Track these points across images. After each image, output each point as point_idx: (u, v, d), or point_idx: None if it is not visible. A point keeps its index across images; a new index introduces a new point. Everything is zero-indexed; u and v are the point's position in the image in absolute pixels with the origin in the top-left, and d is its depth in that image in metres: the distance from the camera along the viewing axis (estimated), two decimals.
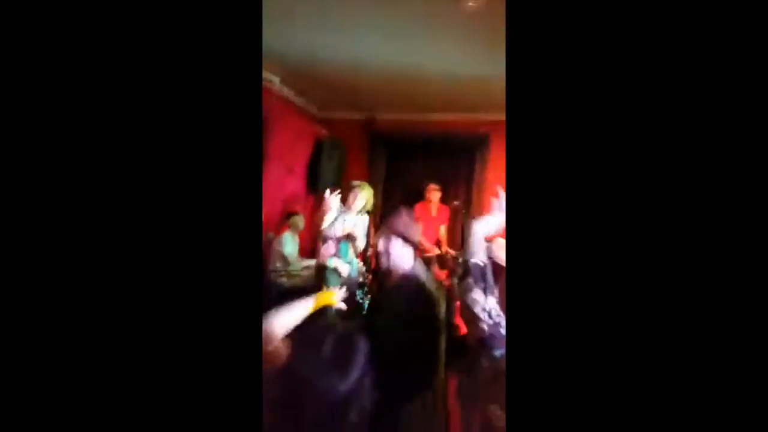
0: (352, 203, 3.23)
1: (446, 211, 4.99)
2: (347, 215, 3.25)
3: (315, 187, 5.14)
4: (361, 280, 3.14)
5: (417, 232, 1.98)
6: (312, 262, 3.73)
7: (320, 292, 1.61)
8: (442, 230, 4.92)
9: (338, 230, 3.20)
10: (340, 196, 3.24)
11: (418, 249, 2.02)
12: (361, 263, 3.28)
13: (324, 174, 5.17)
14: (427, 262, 4.08)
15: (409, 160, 5.50)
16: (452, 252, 4.43)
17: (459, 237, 4.87)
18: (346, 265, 3.19)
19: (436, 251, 4.50)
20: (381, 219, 4.69)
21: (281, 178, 4.88)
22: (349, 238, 3.18)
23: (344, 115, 5.49)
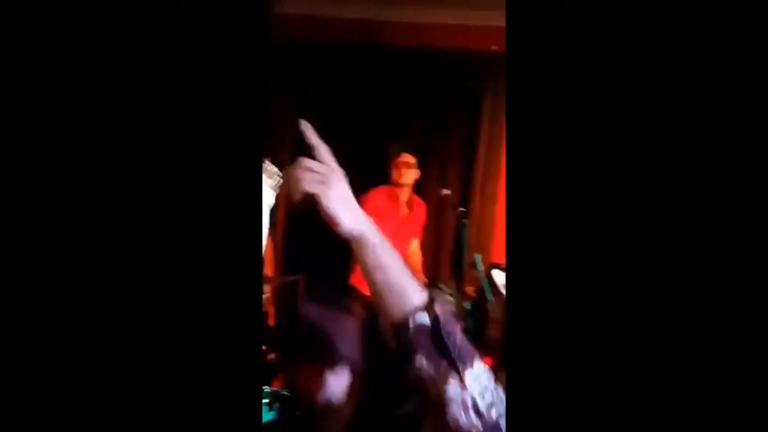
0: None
1: (422, 209, 2.66)
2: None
3: None
4: None
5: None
6: None
7: None
8: (414, 246, 2.62)
9: None
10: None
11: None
12: None
13: None
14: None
15: (358, 103, 2.87)
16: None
17: (447, 262, 2.73)
18: None
19: None
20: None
21: None
22: None
23: None
